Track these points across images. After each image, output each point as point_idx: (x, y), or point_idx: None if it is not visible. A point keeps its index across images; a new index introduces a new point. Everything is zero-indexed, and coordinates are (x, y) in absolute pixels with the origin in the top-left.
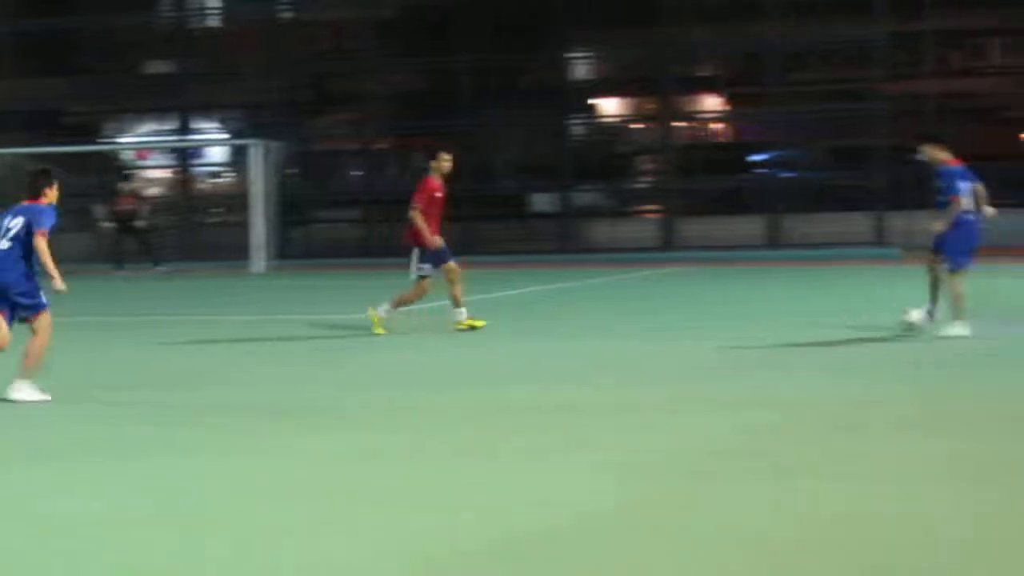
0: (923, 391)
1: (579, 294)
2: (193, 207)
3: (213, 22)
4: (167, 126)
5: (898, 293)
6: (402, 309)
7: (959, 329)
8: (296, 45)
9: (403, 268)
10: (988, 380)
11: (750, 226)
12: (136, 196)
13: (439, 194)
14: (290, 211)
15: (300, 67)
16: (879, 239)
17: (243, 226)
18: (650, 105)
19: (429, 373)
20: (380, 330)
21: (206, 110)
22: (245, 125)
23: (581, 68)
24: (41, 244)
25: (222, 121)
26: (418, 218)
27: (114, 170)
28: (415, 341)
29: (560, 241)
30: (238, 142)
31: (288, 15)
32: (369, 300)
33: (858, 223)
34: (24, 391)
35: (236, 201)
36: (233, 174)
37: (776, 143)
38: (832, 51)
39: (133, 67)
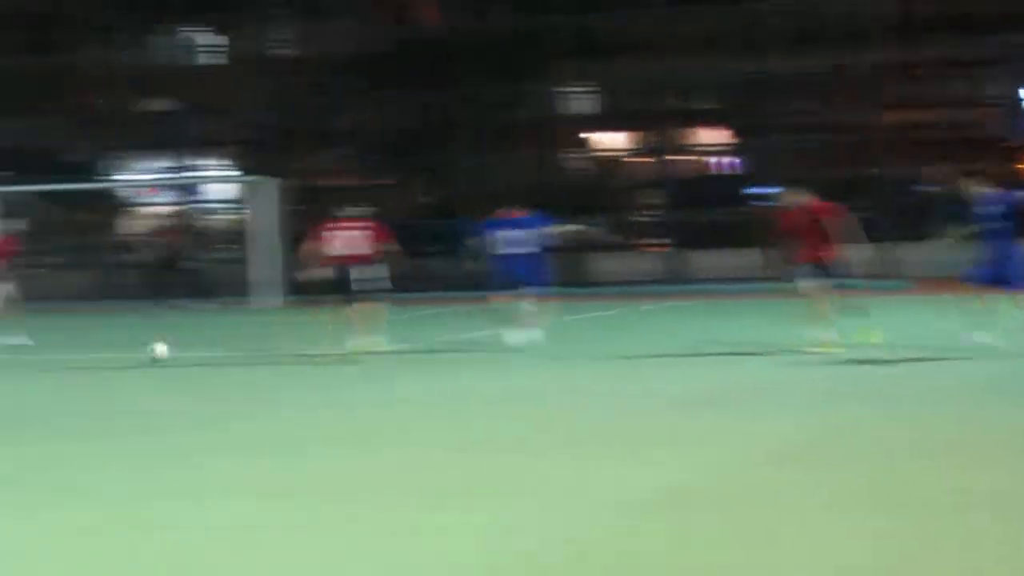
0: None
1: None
2: (197, 244)
3: (211, 59)
4: (171, 163)
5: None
6: None
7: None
8: (290, 80)
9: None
10: None
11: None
12: (177, 231)
13: None
14: (295, 247)
15: (295, 103)
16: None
17: (246, 263)
18: (646, 138)
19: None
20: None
21: (206, 147)
22: (246, 162)
23: (573, 102)
24: None
25: (223, 158)
26: None
27: (118, 208)
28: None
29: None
30: (240, 179)
31: (283, 51)
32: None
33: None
34: None
35: (239, 237)
36: (237, 210)
37: (772, 175)
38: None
39: (134, 103)
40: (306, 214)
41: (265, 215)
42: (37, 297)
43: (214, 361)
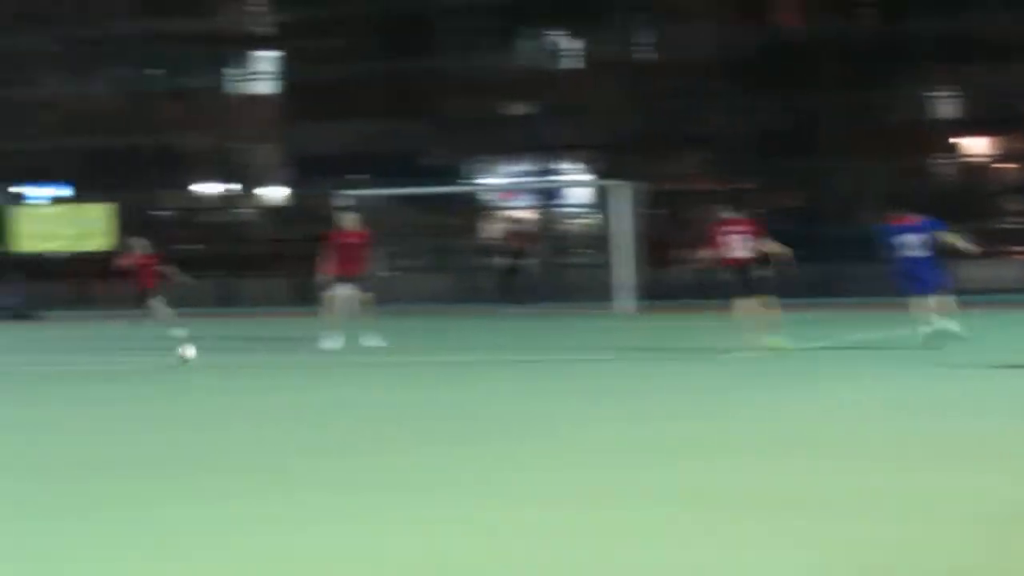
0: None
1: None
2: (557, 248)
3: (570, 63)
4: (529, 167)
5: None
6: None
7: None
8: (649, 84)
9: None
10: None
11: None
12: (524, 235)
13: None
14: (653, 251)
15: (654, 107)
16: None
17: (606, 267)
18: (1012, 142)
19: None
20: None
21: (564, 150)
22: (603, 165)
23: (939, 106)
24: None
25: (581, 161)
26: None
27: (477, 212)
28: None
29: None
30: (600, 182)
31: (642, 54)
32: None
33: None
34: None
35: (599, 242)
36: (595, 214)
37: None
38: None
39: (493, 107)
40: (664, 218)
41: (622, 219)
42: (394, 300)
43: (584, 359)
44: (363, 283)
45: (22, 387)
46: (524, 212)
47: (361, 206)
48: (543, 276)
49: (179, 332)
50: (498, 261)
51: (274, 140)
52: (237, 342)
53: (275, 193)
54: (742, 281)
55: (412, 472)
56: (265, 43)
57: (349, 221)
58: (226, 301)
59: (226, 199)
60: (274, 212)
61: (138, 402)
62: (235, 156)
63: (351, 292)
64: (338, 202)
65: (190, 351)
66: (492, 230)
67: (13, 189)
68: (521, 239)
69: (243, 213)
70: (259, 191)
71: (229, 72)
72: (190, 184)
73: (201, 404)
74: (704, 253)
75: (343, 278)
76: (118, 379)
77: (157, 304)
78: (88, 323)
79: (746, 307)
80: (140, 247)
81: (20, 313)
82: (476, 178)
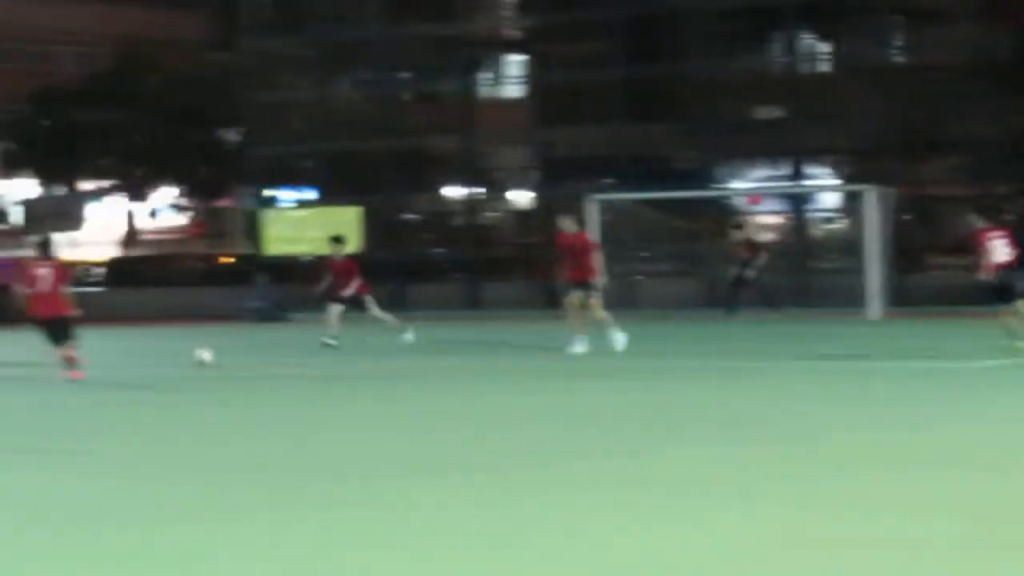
0: None
1: None
2: (806, 253)
3: (820, 66)
4: (777, 171)
5: None
6: None
7: None
8: (902, 88)
9: None
10: None
11: None
12: (748, 244)
13: None
14: (903, 257)
15: (906, 111)
16: None
17: (856, 272)
18: None
19: None
20: None
21: (813, 155)
22: (853, 170)
23: None
24: None
25: (830, 166)
26: None
27: (724, 216)
28: None
29: None
30: (850, 187)
31: (895, 58)
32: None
33: None
34: None
35: (848, 247)
36: (844, 219)
37: None
38: None
39: (741, 111)
40: (914, 223)
41: (872, 224)
42: (639, 304)
43: (837, 364)
44: (588, 287)
45: (288, 390)
46: (768, 217)
47: (606, 209)
48: (779, 283)
49: (330, 340)
50: (734, 269)
51: (521, 143)
52: (489, 346)
53: (522, 197)
54: (1009, 286)
55: (698, 472)
56: (513, 47)
57: (567, 224)
58: (472, 304)
59: (473, 202)
60: (521, 216)
61: (399, 402)
62: (482, 160)
63: (580, 296)
64: (583, 204)
65: (207, 354)
66: (738, 235)
67: (264, 192)
68: (748, 248)
69: (490, 217)
70: (506, 194)
71: (477, 76)
72: (437, 187)
73: (467, 405)
74: (976, 259)
75: (574, 282)
76: (358, 381)
77: (369, 305)
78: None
79: (1013, 312)
80: (336, 252)
81: (266, 315)
82: (723, 183)
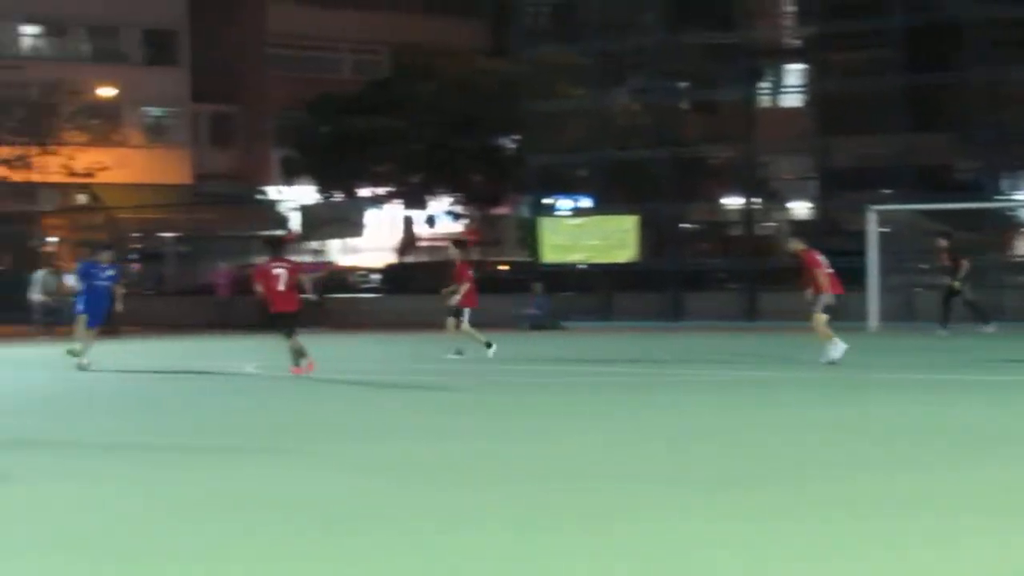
0: None
1: None
2: None
3: None
4: None
5: None
6: None
7: None
8: None
9: None
10: None
11: None
12: (952, 255)
13: None
14: None
15: None
16: None
17: None
18: None
19: None
20: None
21: None
22: None
23: None
24: None
25: None
26: None
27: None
28: None
29: None
30: None
31: None
32: None
33: None
34: None
35: None
36: None
37: None
38: None
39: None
40: None
41: None
42: (913, 316)
43: None
44: (815, 300)
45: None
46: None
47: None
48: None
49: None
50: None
51: (800, 153)
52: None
53: (801, 207)
54: None
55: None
56: (792, 55)
57: (794, 244)
58: (750, 314)
59: (751, 212)
60: (799, 226)
61: (673, 413)
62: (760, 169)
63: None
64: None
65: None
66: (938, 245)
67: (544, 200)
68: (951, 259)
69: (768, 226)
70: (785, 204)
71: (756, 84)
72: (714, 197)
73: (760, 418)
74: None
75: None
76: (637, 390)
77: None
78: (607, 334)
79: None
80: (455, 255)
81: (538, 324)
82: (1006, 193)
